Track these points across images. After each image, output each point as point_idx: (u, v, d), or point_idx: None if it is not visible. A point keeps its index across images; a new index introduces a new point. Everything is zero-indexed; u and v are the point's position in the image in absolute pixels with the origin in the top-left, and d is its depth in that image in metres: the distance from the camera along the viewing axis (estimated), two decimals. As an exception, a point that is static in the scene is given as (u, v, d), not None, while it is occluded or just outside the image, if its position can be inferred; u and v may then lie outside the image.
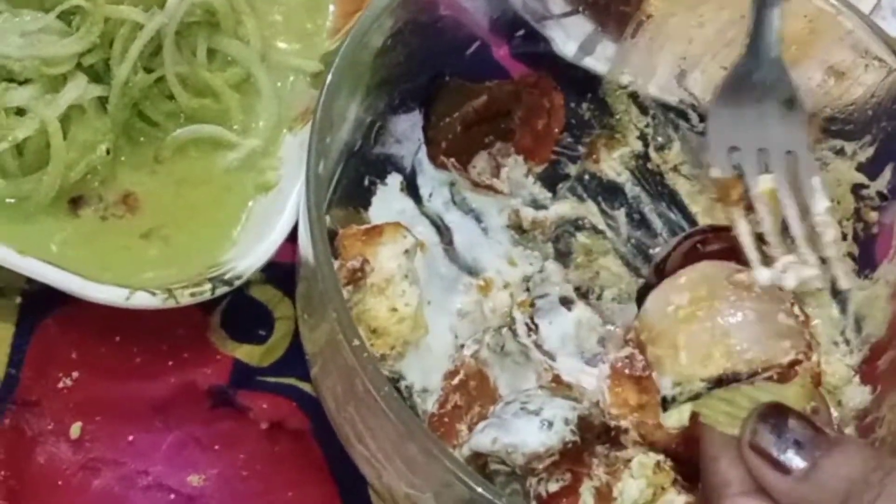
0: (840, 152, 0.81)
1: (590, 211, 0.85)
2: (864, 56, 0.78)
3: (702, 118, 0.85)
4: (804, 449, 0.58)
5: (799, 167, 0.72)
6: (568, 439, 0.69)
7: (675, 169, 0.86)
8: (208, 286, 0.74)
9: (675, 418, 0.68)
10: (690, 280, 0.69)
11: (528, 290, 0.80)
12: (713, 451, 0.63)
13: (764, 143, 0.72)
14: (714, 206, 0.84)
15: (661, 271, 0.79)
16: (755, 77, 0.75)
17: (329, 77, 0.70)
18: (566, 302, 0.79)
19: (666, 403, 0.68)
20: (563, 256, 0.83)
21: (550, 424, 0.69)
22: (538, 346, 0.76)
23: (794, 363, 0.65)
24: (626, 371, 0.74)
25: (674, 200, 0.86)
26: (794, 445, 0.59)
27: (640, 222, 0.85)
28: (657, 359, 0.69)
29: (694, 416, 0.67)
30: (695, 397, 0.67)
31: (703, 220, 0.84)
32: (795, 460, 0.58)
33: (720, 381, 0.66)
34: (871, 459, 0.57)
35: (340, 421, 0.70)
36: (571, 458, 0.70)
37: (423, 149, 0.82)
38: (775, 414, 0.61)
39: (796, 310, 0.71)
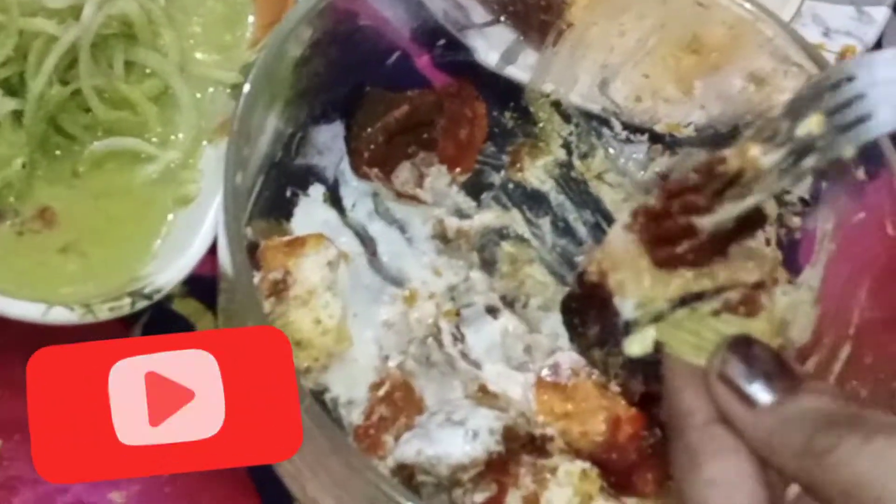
0: (761, 158, 0.81)
1: (514, 220, 0.84)
2: (785, 62, 0.79)
3: (624, 126, 0.85)
4: (773, 382, 0.57)
5: None
6: (493, 450, 0.69)
7: (598, 177, 0.86)
8: (127, 300, 0.73)
9: (638, 345, 0.66)
10: None
11: (453, 299, 0.79)
12: (678, 381, 0.62)
13: None
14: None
15: (584, 280, 0.79)
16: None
17: (246, 87, 0.69)
18: (492, 311, 0.79)
19: (628, 328, 0.67)
20: (488, 265, 0.82)
21: (475, 435, 0.69)
22: (464, 356, 0.76)
23: (758, 285, 0.64)
24: (551, 379, 0.74)
25: (598, 208, 0.85)
26: (763, 378, 0.58)
27: (565, 230, 0.85)
28: (619, 284, 0.67)
29: (658, 347, 0.65)
30: (657, 319, 0.65)
31: (627, 228, 0.84)
32: (763, 393, 0.57)
33: (684, 301, 0.65)
34: (838, 400, 0.56)
35: (263, 435, 0.69)
36: (497, 468, 0.70)
37: (346, 159, 0.81)
38: (745, 345, 0.60)
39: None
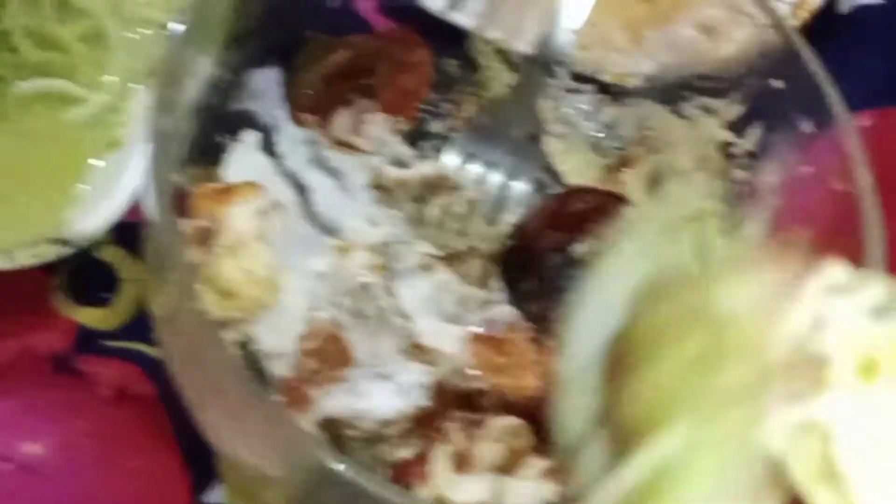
0: (708, 110, 0.80)
1: (454, 170, 0.82)
2: (736, 12, 0.77)
3: (571, 75, 0.84)
4: None
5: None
6: (422, 405, 0.68)
7: (542, 127, 0.84)
8: (50, 247, 0.71)
9: None
10: None
11: (388, 251, 0.78)
12: None
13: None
14: (582, 165, 0.84)
15: (524, 232, 0.78)
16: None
17: (175, 27, 0.67)
18: (426, 263, 0.77)
19: None
20: (425, 216, 0.80)
21: (404, 389, 0.68)
22: (396, 309, 0.75)
23: None
24: (486, 333, 0.73)
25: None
26: None
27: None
28: None
29: None
30: None
31: (572, 180, 0.83)
32: None
33: None
34: None
35: (186, 387, 0.68)
36: (425, 423, 0.69)
37: (282, 105, 0.80)
38: None
39: None
